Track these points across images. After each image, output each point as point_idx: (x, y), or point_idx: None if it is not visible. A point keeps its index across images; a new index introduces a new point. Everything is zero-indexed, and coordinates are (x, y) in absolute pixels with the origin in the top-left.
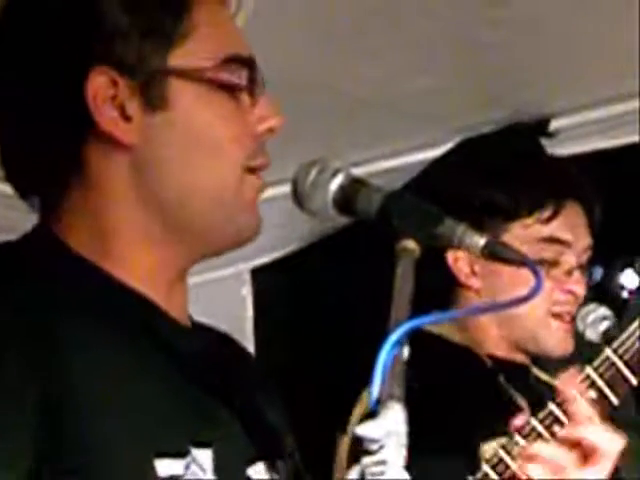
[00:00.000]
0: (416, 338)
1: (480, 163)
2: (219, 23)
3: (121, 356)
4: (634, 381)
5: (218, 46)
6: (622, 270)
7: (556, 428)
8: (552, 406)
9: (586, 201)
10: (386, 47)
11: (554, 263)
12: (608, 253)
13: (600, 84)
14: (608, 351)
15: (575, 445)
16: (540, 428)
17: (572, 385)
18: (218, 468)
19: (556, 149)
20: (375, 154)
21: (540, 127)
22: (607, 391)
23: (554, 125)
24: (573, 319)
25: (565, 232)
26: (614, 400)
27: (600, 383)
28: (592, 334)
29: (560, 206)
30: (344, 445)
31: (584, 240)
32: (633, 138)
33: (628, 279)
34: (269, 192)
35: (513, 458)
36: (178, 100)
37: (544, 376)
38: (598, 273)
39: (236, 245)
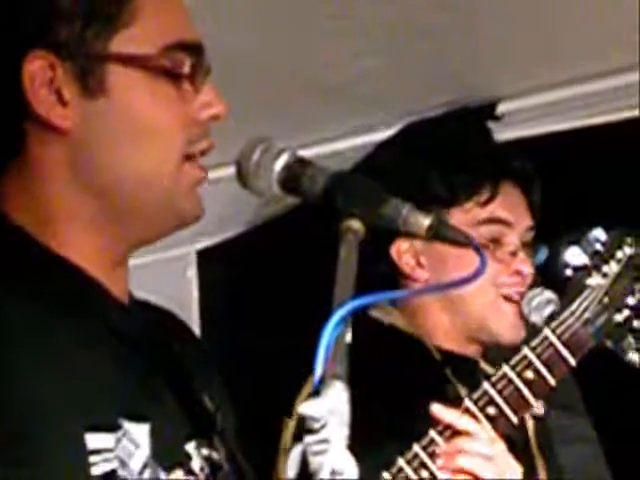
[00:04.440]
0: (366, 326)
1: (420, 148)
2: (165, 7)
3: (62, 330)
4: (573, 362)
5: (162, 32)
6: (567, 247)
7: (490, 410)
8: (486, 385)
9: (523, 182)
10: (333, 30)
11: (497, 244)
12: (551, 235)
13: (548, 68)
14: (547, 331)
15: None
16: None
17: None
18: (156, 442)
19: (504, 133)
20: (320, 137)
21: (486, 111)
22: (545, 372)
23: (501, 109)
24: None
25: (504, 212)
26: (552, 381)
27: (538, 364)
28: (537, 318)
29: (497, 188)
30: (289, 429)
31: (525, 220)
32: (583, 122)
33: (574, 256)
34: (214, 174)
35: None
36: (117, 86)
37: (491, 370)
38: (543, 253)
39: (175, 229)
